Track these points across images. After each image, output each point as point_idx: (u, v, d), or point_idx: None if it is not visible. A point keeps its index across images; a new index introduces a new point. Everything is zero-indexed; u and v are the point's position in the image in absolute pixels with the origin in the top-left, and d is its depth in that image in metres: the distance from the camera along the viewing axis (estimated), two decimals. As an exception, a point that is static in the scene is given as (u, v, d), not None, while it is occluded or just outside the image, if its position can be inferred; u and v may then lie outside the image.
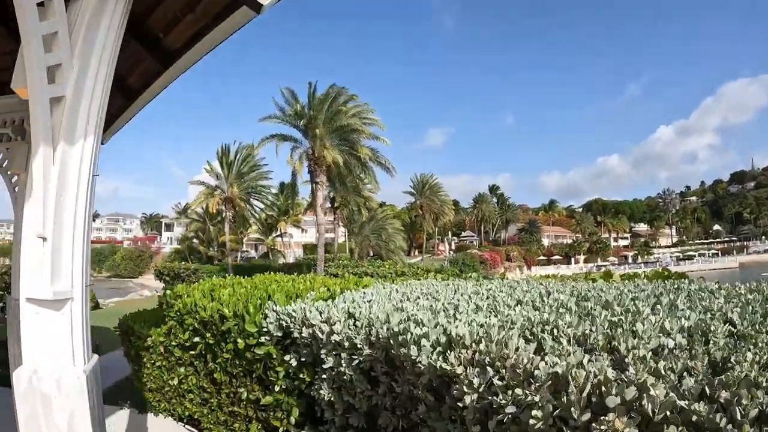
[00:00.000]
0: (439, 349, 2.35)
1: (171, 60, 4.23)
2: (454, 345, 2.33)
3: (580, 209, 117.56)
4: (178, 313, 4.79)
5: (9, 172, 4.83)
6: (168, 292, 5.40)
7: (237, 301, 4.12)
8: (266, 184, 42.36)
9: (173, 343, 5.14)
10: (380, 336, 2.66)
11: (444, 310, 3.13)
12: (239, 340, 3.85)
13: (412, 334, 2.44)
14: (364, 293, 3.97)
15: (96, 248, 79.11)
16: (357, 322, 2.89)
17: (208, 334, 4.35)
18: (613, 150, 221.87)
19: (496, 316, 2.99)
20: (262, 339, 3.65)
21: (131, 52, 4.69)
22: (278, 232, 62.75)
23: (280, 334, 3.51)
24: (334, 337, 2.89)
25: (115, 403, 6.97)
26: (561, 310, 3.38)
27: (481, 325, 2.65)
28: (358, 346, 2.80)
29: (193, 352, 4.88)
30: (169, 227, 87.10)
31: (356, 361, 2.86)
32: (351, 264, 35.22)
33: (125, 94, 5.11)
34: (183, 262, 41.75)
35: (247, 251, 68.39)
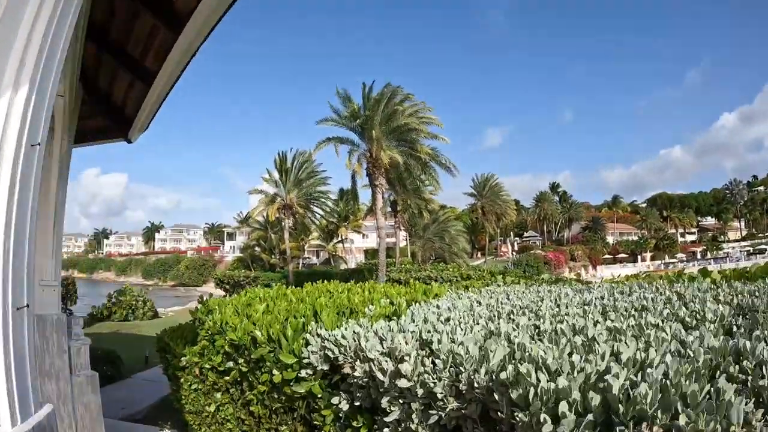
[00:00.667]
0: (590, 418, 1.33)
1: (182, 26, 3.45)
2: (619, 412, 1.30)
3: (645, 204, 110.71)
4: (209, 333, 4.00)
5: None
6: (200, 306, 4.64)
7: (273, 320, 3.25)
8: (325, 189, 41.81)
9: (206, 366, 4.37)
10: (476, 384, 1.67)
11: (561, 333, 2.09)
12: (275, 371, 2.97)
13: (535, 389, 1.43)
14: (438, 307, 2.98)
15: (161, 258, 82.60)
16: (435, 358, 1.90)
17: (241, 360, 3.51)
18: (675, 141, 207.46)
19: (650, 346, 1.92)
20: (303, 372, 2.73)
21: (142, 26, 3.99)
22: (339, 238, 62.14)
23: (326, 367, 2.58)
24: (402, 383, 1.92)
25: (154, 423, 6.41)
26: (732, 330, 2.27)
27: (649, 364, 1.60)
28: (439, 396, 1.82)
29: (227, 378, 4.07)
30: (231, 236, 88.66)
31: (435, 418, 1.89)
32: (414, 268, 34.19)
33: (144, 78, 4.43)
34: (244, 270, 42.25)
35: (308, 258, 68.55)
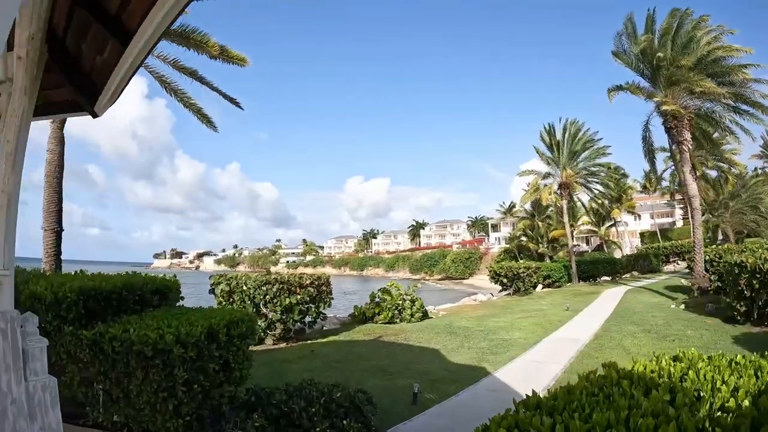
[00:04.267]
0: None
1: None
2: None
3: None
4: None
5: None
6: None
7: None
8: (605, 162, 34.18)
9: None
10: None
11: None
12: None
13: None
14: None
15: (427, 254, 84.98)
16: None
17: None
18: None
19: None
20: None
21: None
22: (611, 221, 54.76)
23: None
24: None
25: None
26: None
27: None
28: None
29: None
30: (495, 228, 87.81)
31: None
32: (733, 248, 23.76)
33: (120, 38, 3.26)
34: (513, 261, 38.14)
35: (577, 245, 61.52)
